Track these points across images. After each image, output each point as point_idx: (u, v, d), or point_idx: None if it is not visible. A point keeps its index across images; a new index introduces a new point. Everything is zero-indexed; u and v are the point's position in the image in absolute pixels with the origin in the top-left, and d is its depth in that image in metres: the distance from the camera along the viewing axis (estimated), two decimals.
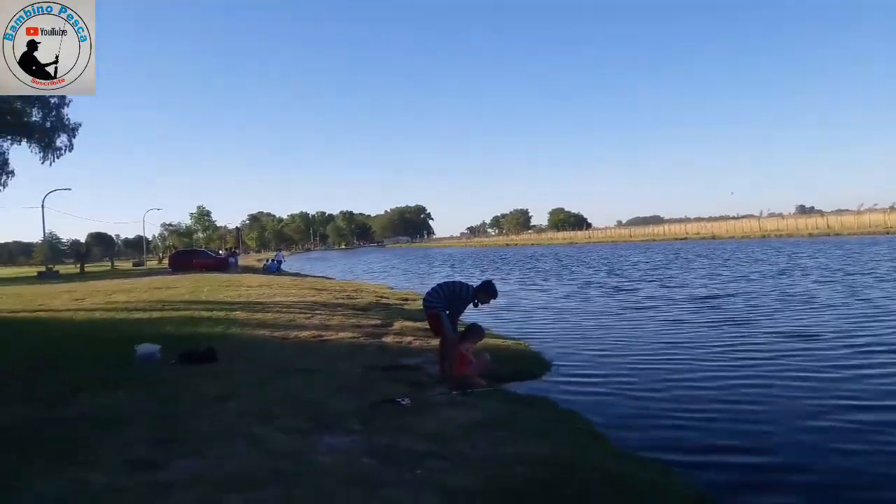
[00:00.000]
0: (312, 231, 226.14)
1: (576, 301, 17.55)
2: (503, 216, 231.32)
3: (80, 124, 43.32)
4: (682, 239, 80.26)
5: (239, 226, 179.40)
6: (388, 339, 10.79)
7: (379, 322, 12.76)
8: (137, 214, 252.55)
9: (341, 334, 11.06)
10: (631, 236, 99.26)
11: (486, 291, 7.90)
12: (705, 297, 16.65)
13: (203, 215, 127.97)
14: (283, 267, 45.14)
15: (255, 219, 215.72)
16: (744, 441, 5.67)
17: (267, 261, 48.62)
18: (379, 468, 4.67)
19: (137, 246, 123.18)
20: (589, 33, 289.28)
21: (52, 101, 40.63)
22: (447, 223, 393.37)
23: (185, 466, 4.61)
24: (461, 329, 8.14)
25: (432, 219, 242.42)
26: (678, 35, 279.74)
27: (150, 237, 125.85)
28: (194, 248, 69.44)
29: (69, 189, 78.91)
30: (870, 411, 6.41)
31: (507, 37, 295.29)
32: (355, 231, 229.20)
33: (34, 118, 40.47)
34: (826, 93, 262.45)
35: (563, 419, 6.24)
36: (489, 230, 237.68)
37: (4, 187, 41.88)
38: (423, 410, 6.32)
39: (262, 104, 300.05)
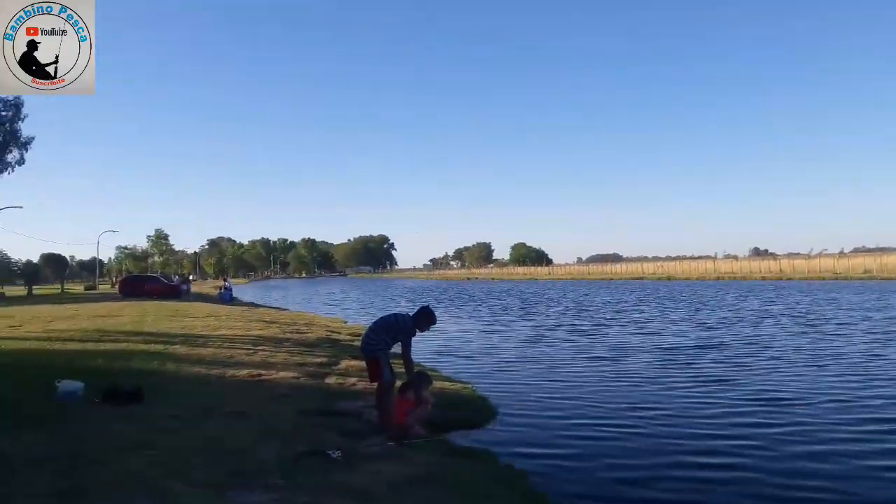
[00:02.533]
0: (273, 258, 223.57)
1: (539, 345, 16.82)
2: (466, 249, 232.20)
3: (32, 138, 42.47)
4: (639, 278, 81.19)
5: (197, 250, 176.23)
6: (331, 381, 10.40)
7: (324, 360, 12.34)
8: (93, 236, 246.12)
9: (282, 373, 10.62)
10: (590, 273, 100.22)
11: (425, 318, 7.67)
12: (677, 348, 15.73)
13: (160, 238, 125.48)
14: (238, 295, 44.27)
15: (214, 244, 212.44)
16: None
17: (221, 289, 47.59)
18: None
19: (92, 268, 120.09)
20: (552, 71, 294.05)
21: (5, 114, 39.78)
22: (410, 254, 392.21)
23: None
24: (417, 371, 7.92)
25: (395, 249, 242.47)
26: (638, 78, 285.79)
27: (105, 259, 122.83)
28: (146, 274, 67.91)
29: (21, 207, 76.05)
30: None
31: (469, 70, 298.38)
32: (317, 259, 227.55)
33: None
34: (785, 140, 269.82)
35: (504, 479, 5.92)
36: (452, 263, 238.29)
37: None
38: (355, 463, 5.97)
39: (223, 130, 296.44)
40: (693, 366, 13.02)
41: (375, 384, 7.62)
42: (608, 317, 25.85)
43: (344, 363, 11.99)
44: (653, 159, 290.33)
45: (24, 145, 41.74)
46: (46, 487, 4.88)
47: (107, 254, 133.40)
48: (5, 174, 41.42)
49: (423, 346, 13.84)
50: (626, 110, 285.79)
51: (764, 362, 13.25)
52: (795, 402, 9.53)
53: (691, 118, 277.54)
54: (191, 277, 74.88)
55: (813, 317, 23.20)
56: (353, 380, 10.33)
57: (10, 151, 41.09)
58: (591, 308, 31.25)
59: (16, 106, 40.33)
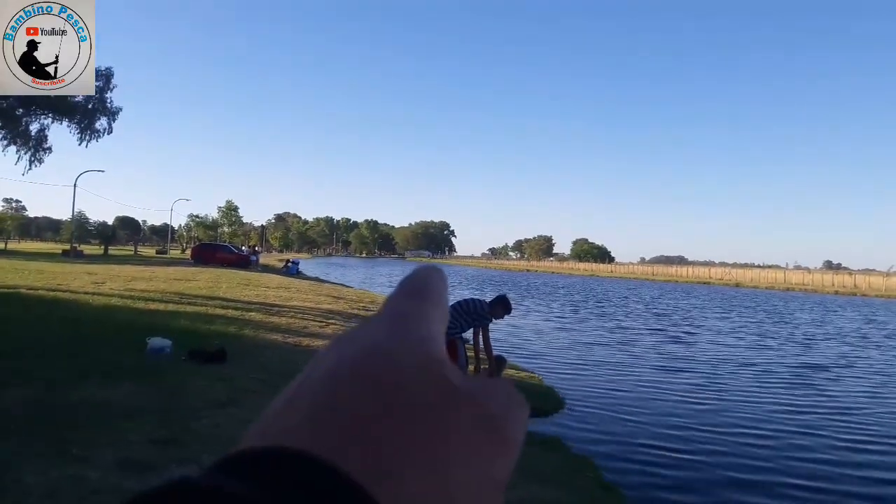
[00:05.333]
0: (336, 236, 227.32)
1: (609, 347, 15.84)
2: (526, 241, 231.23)
3: (120, 109, 44.15)
4: (705, 283, 79.26)
5: (264, 224, 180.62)
6: None
7: None
8: (166, 203, 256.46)
9: None
10: (654, 274, 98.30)
11: (502, 305, 7.81)
12: (769, 364, 14.01)
13: (231, 210, 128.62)
14: (302, 269, 45.25)
15: (280, 219, 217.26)
16: None
17: (287, 262, 48.69)
18: None
19: (163, 233, 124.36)
20: (626, 73, 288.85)
21: (97, 83, 41.32)
22: (470, 241, 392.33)
23: (181, 473, 4.47)
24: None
25: (455, 236, 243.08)
26: (718, 85, 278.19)
27: (175, 226, 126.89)
28: (218, 242, 69.78)
29: (103, 171, 79.39)
30: None
31: (545, 63, 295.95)
32: (378, 240, 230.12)
33: (77, 99, 41.21)
34: (864, 148, 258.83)
35: (578, 467, 6.01)
36: (511, 253, 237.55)
37: (40, 163, 42.48)
38: None
39: (293, 109, 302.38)
40: (801, 387, 11.64)
41: None
42: (684, 322, 24.44)
43: None
44: (722, 163, 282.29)
45: (113, 115, 43.45)
46: (146, 435, 5.19)
47: (177, 221, 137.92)
48: (92, 141, 43.13)
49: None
50: (699, 116, 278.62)
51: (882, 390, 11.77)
52: None
53: (764, 125, 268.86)
54: (258, 249, 76.73)
55: None
56: None
57: (99, 119, 42.80)
58: (664, 311, 29.99)
59: (106, 76, 41.97)
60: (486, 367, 8.02)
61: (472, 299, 8.03)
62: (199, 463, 4.70)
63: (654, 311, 30.25)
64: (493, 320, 7.77)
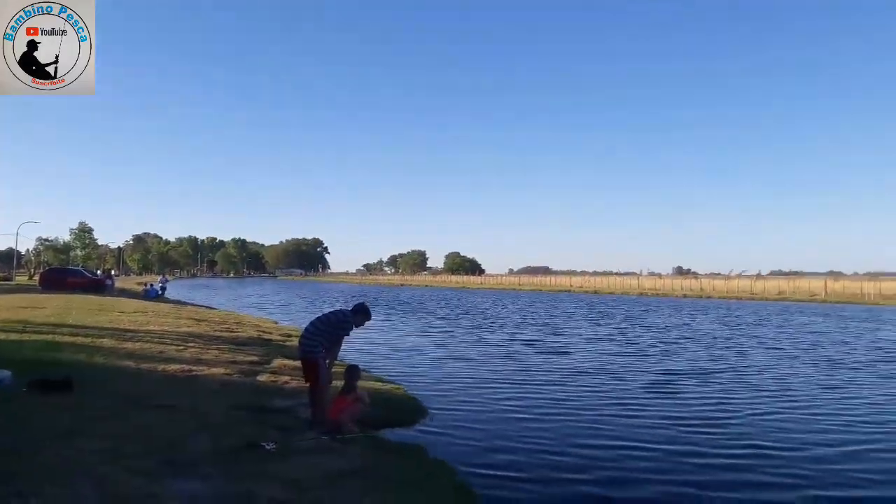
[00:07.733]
0: (200, 256, 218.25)
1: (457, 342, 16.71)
2: (401, 256, 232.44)
3: None
4: (567, 291, 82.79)
5: (121, 246, 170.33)
6: (264, 378, 10.50)
7: (256, 359, 12.41)
8: (11, 226, 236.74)
9: (213, 370, 10.67)
10: (521, 284, 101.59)
11: (362, 313, 8.00)
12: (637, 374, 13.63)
13: (84, 232, 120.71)
14: (165, 293, 43.17)
15: (139, 240, 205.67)
16: None
17: (147, 285, 46.27)
18: None
19: (8, 259, 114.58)
20: (485, 82, 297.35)
21: None
22: (344, 258, 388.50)
23: None
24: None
25: (329, 253, 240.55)
26: (568, 93, 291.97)
27: (22, 251, 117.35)
28: (69, 267, 65.31)
29: None
30: None
31: (404, 78, 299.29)
32: (247, 259, 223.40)
33: None
34: (706, 168, 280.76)
35: (434, 472, 6.25)
36: (386, 268, 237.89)
37: None
38: (289, 456, 6.17)
39: (151, 120, 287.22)
40: (664, 395, 11.50)
41: (308, 384, 7.82)
42: (548, 331, 24.98)
43: (276, 362, 12.08)
44: (582, 179, 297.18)
45: None
46: None
47: (24, 245, 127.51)
48: None
49: (354, 353, 13.94)
50: (555, 132, 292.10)
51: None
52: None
53: (618, 142, 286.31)
54: (113, 273, 72.41)
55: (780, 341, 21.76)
56: (285, 378, 10.47)
57: None
58: (533, 321, 30.74)
59: None
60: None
61: (334, 311, 8.20)
62: (41, 496, 4.53)
63: (520, 320, 30.94)
64: (355, 328, 7.97)
